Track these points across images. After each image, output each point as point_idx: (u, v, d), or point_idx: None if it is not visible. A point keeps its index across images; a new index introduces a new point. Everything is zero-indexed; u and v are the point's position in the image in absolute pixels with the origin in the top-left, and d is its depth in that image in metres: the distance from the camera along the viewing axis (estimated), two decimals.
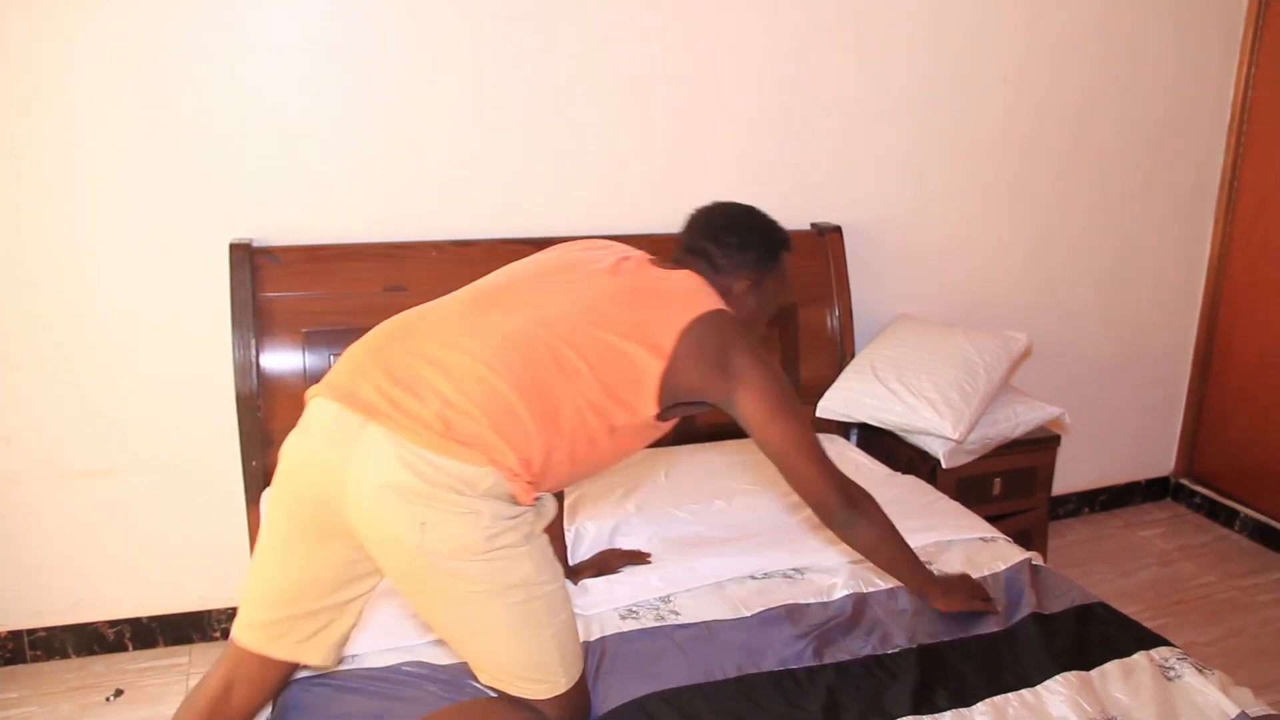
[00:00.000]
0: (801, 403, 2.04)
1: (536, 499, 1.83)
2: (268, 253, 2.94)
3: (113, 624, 3.16)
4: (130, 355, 2.98)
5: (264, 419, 2.91)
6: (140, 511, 3.09)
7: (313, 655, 1.92)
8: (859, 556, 2.30)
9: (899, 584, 2.33)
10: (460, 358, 1.79)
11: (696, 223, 2.18)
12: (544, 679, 1.81)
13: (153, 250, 2.93)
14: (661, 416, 1.94)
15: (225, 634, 3.17)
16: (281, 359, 2.93)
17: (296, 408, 2.85)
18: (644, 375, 1.88)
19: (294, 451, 1.86)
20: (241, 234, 2.97)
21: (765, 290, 2.16)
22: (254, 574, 1.93)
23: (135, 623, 3.18)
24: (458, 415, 1.73)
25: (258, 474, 2.91)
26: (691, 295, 1.97)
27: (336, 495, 1.75)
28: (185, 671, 3.09)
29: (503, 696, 1.82)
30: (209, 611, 3.23)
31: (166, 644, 3.21)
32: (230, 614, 3.18)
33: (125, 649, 3.18)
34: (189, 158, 2.90)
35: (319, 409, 1.82)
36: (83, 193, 2.85)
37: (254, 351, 2.88)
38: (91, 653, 3.16)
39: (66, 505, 3.03)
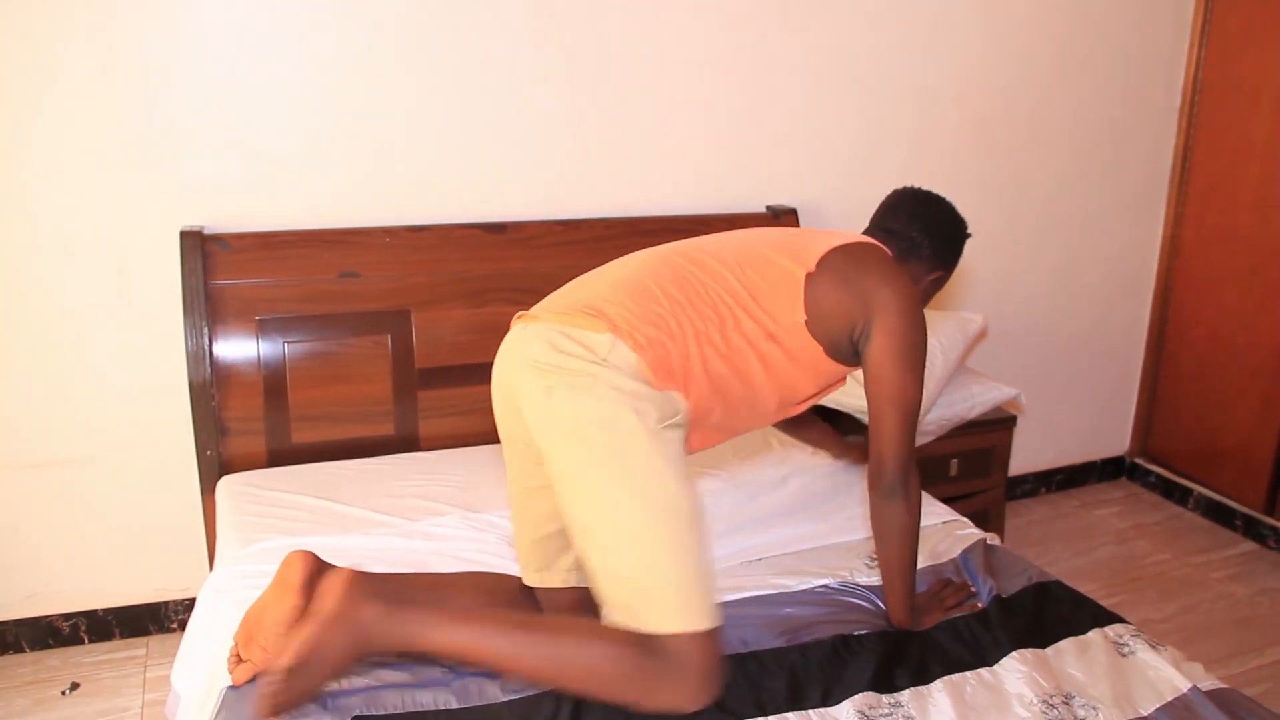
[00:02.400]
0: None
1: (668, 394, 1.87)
2: (219, 240, 2.91)
3: (67, 617, 3.12)
4: (81, 345, 2.94)
5: (218, 408, 2.88)
6: (94, 503, 3.06)
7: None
8: (835, 541, 2.36)
9: (865, 572, 2.34)
10: (609, 272, 2.01)
11: (902, 210, 2.24)
12: (673, 601, 1.71)
13: (102, 238, 2.89)
14: (820, 341, 1.99)
15: (183, 625, 3.15)
16: (235, 347, 2.90)
17: (251, 396, 2.89)
18: (787, 279, 1.97)
19: (493, 382, 2.03)
20: (192, 221, 2.94)
21: (937, 283, 2.26)
22: (512, 516, 2.10)
23: (90, 615, 3.14)
24: (591, 301, 1.91)
25: (213, 463, 2.88)
26: (857, 238, 2.10)
27: (512, 398, 1.92)
28: (142, 664, 3.06)
29: (635, 640, 1.71)
30: (166, 603, 3.20)
31: (123, 636, 3.18)
32: (188, 605, 3.16)
33: (81, 642, 3.15)
34: (137, 145, 2.86)
35: (505, 340, 2.01)
36: (29, 181, 2.80)
37: (207, 340, 2.86)
38: (46, 647, 3.12)
39: (17, 497, 2.99)
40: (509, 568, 2.34)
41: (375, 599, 1.65)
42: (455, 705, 1.88)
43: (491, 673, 1.83)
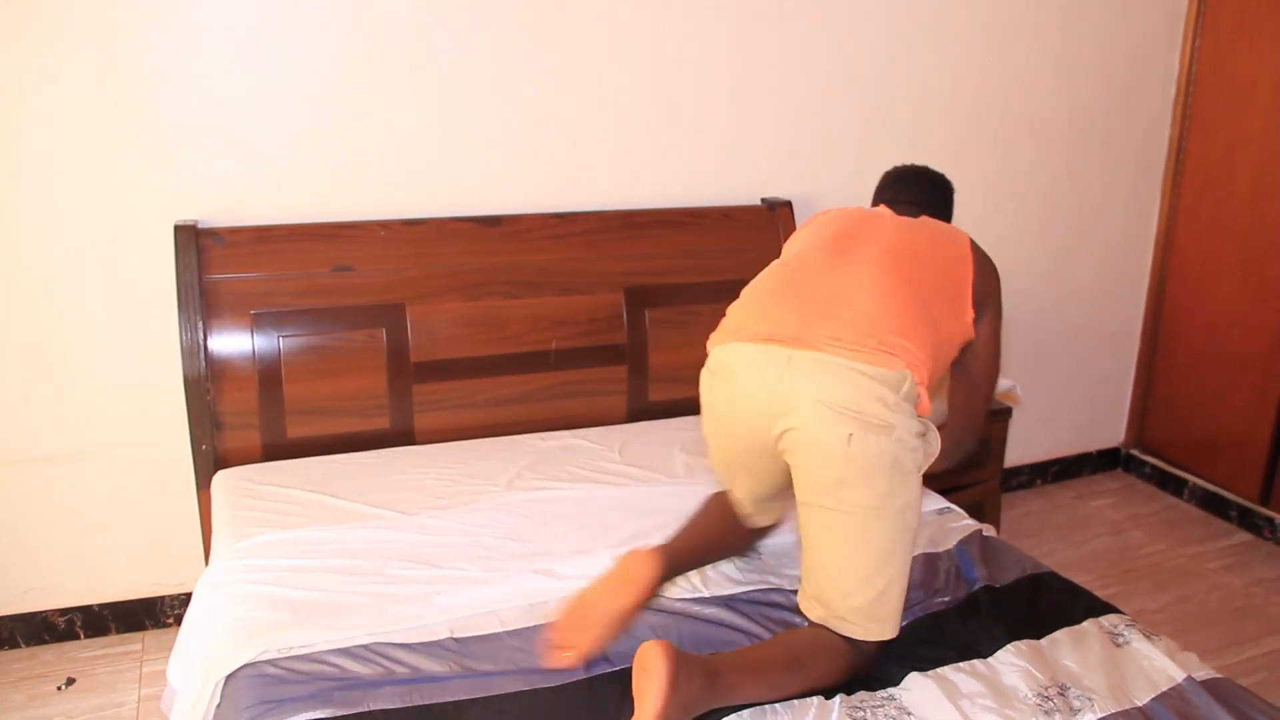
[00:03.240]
0: None
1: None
2: (213, 234, 2.90)
3: (63, 612, 3.12)
4: (76, 340, 2.93)
5: (213, 402, 2.88)
6: (89, 497, 3.05)
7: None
8: None
9: None
10: (850, 286, 2.07)
11: (922, 181, 2.47)
12: (885, 618, 1.96)
13: (97, 233, 2.89)
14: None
15: (178, 621, 3.15)
16: (229, 341, 2.90)
17: (246, 390, 2.89)
18: (965, 276, 2.17)
19: (721, 394, 2.12)
20: (186, 215, 2.93)
21: None
22: (716, 465, 2.26)
23: (86, 610, 3.14)
24: (870, 331, 1.98)
25: (208, 458, 2.88)
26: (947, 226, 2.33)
27: (769, 420, 1.99)
28: (138, 659, 3.06)
29: (846, 643, 1.96)
30: (161, 598, 3.20)
31: (119, 631, 3.18)
32: (184, 600, 3.15)
33: (76, 637, 3.15)
34: (131, 139, 2.85)
35: (738, 353, 2.08)
36: (22, 176, 2.80)
37: (201, 334, 2.85)
38: (41, 642, 3.12)
39: (12, 493, 2.99)
40: (505, 560, 2.35)
41: (691, 680, 1.77)
42: (461, 698, 1.88)
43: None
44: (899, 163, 2.59)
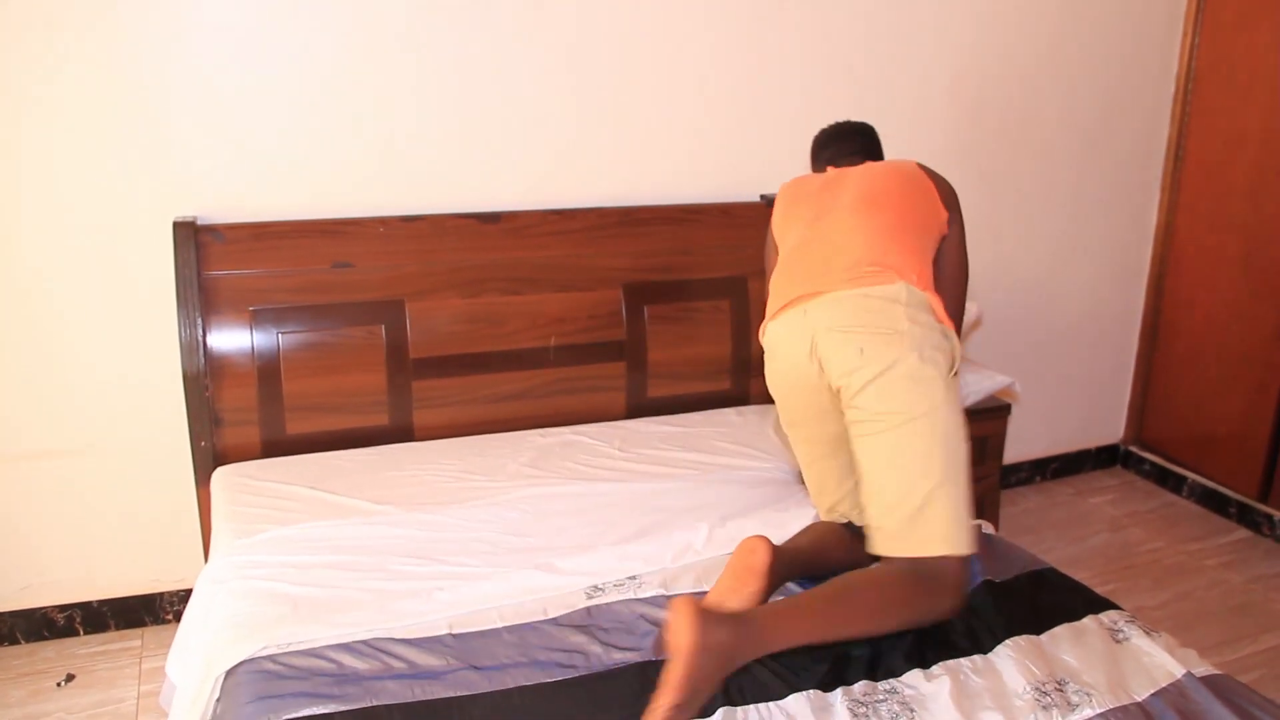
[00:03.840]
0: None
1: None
2: (212, 230, 2.90)
3: (62, 609, 3.12)
4: (75, 336, 2.93)
5: (212, 399, 2.88)
6: (88, 494, 3.05)
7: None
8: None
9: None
10: (836, 238, 2.26)
11: (856, 133, 2.67)
12: (940, 532, 2.00)
13: (96, 230, 2.88)
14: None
15: (178, 617, 3.15)
16: (229, 338, 2.90)
17: (245, 386, 2.89)
18: (928, 185, 2.37)
19: (774, 372, 2.29)
20: (185, 212, 2.93)
21: None
22: (809, 480, 2.39)
23: (86, 607, 3.14)
24: (859, 260, 2.17)
25: (207, 454, 2.88)
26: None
27: (815, 372, 2.15)
28: (138, 655, 3.06)
29: (909, 567, 2.01)
30: (161, 594, 3.20)
31: (118, 628, 3.18)
32: (183, 596, 3.16)
33: (76, 633, 3.15)
34: (131, 136, 2.85)
35: (773, 333, 2.26)
36: (22, 173, 2.80)
37: (200, 330, 2.85)
38: (41, 638, 3.12)
39: (11, 489, 2.99)
40: (504, 555, 2.35)
41: (719, 626, 1.81)
42: (461, 693, 1.88)
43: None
44: (897, 153, 2.68)
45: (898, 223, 2.27)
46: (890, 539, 2.04)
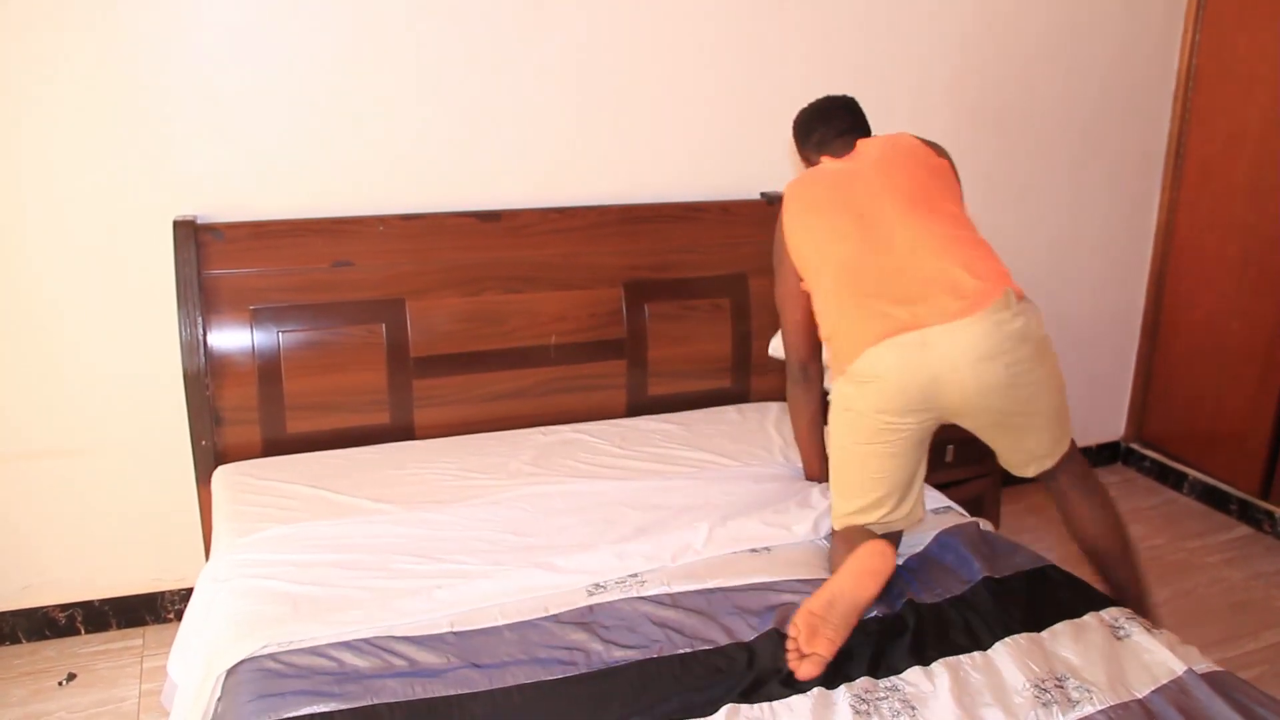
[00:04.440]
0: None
1: None
2: (212, 229, 2.90)
3: (64, 608, 3.12)
4: (75, 335, 2.93)
5: (213, 397, 2.88)
6: (90, 493, 3.05)
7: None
8: (821, 527, 2.50)
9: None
10: (907, 251, 2.29)
11: (841, 108, 2.68)
12: (1068, 432, 2.44)
13: (96, 229, 2.88)
14: None
15: (179, 616, 3.15)
16: (229, 337, 2.90)
17: (245, 385, 2.89)
18: (943, 164, 2.51)
19: (882, 396, 2.27)
20: (185, 211, 2.93)
21: None
22: (865, 492, 2.37)
23: (87, 606, 3.14)
24: (959, 283, 2.23)
25: (208, 453, 2.89)
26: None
27: (929, 400, 2.24)
28: (139, 654, 3.06)
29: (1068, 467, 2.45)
30: (162, 593, 3.20)
31: (120, 627, 3.18)
32: (185, 595, 3.16)
33: (77, 633, 3.15)
34: (130, 135, 2.85)
35: (881, 359, 2.24)
36: (22, 173, 2.80)
37: (201, 329, 2.85)
38: (42, 638, 3.12)
39: (12, 488, 2.99)
40: (505, 554, 2.35)
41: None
42: (462, 691, 1.89)
43: None
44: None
45: (950, 218, 2.35)
46: (1053, 458, 2.42)
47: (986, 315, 2.19)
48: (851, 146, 2.55)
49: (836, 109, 2.67)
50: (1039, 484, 2.59)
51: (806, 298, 2.51)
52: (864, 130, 2.64)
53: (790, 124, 2.72)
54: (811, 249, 2.45)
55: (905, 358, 2.22)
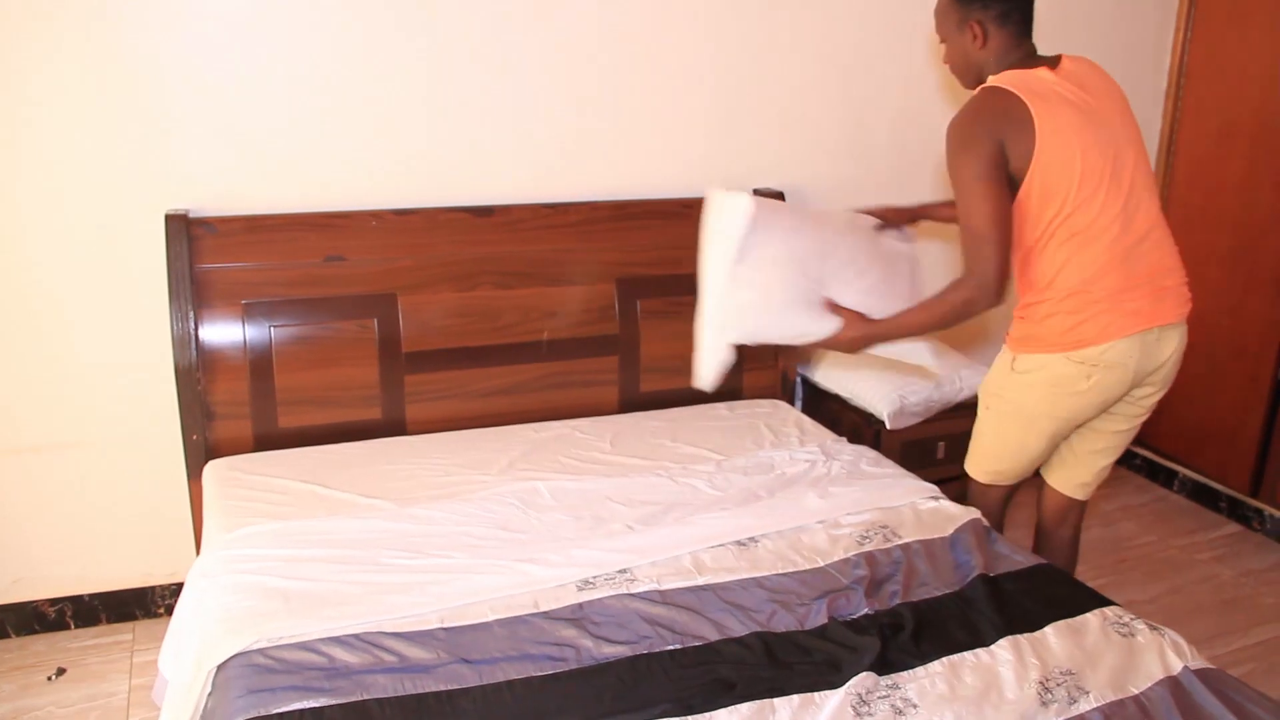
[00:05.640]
0: None
1: None
2: (205, 223, 2.89)
3: (54, 602, 3.11)
4: (67, 329, 2.92)
5: (204, 392, 2.87)
6: (80, 487, 3.04)
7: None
8: (812, 523, 2.50)
9: (857, 552, 2.38)
10: (1152, 243, 2.36)
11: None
12: None
13: (88, 222, 2.87)
14: None
15: (170, 611, 3.14)
16: (221, 331, 2.89)
17: (237, 380, 2.89)
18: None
19: (1106, 388, 2.40)
20: (178, 205, 2.92)
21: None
22: (1030, 460, 2.59)
23: (77, 600, 3.13)
24: (1182, 286, 2.44)
25: (199, 448, 2.88)
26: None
27: (1128, 388, 2.45)
28: (129, 649, 3.05)
29: None
30: (153, 588, 3.19)
31: (110, 621, 3.17)
32: (175, 590, 3.15)
33: (67, 627, 3.14)
34: (123, 128, 2.84)
35: (1125, 352, 2.36)
36: (14, 166, 2.78)
37: (193, 324, 2.85)
38: (32, 632, 3.11)
39: (4, 482, 2.98)
40: (496, 549, 2.35)
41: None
42: (451, 686, 1.89)
43: None
44: (889, 154, 2.71)
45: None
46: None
47: (1184, 321, 2.42)
48: (1034, 49, 2.39)
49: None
50: (1030, 482, 2.61)
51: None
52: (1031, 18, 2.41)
53: (782, 120, 2.70)
54: (1069, 183, 2.23)
55: (1144, 351, 2.38)
